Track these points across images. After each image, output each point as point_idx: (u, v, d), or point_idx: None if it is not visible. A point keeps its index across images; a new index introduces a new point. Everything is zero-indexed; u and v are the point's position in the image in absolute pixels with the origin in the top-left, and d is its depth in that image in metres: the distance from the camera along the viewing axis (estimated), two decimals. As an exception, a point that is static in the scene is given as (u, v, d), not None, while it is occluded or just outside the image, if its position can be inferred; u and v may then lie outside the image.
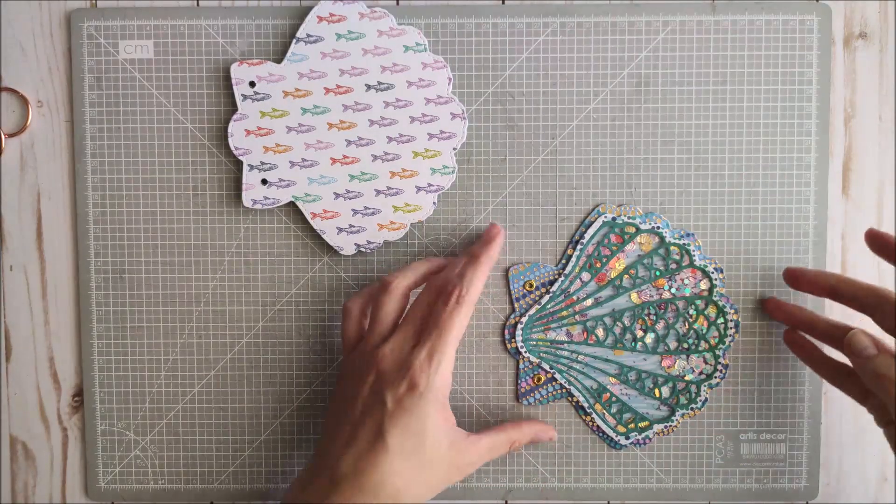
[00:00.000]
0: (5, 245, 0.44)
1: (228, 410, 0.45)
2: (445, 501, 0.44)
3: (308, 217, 0.43)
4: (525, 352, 0.43)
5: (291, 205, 0.43)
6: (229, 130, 0.42)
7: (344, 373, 0.40)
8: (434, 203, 0.43)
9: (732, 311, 0.43)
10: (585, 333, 0.43)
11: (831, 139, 0.44)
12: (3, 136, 0.44)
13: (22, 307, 0.44)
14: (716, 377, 0.43)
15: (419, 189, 0.43)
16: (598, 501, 0.45)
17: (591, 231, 0.43)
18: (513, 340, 0.44)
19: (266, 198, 0.43)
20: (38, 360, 0.45)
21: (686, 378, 0.43)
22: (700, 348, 0.43)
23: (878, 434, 0.39)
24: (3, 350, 0.45)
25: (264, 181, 0.43)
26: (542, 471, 0.44)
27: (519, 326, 0.43)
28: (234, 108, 0.42)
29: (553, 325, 0.44)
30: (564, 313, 0.43)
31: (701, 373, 0.43)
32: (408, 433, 0.36)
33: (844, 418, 0.44)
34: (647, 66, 0.43)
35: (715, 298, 0.43)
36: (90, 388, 0.44)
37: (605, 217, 0.43)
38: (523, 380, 0.44)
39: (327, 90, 0.42)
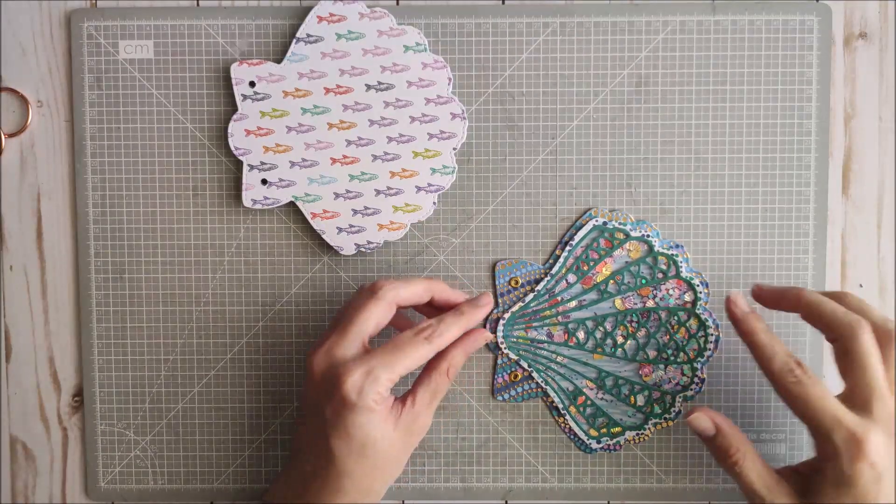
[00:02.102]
0: (5, 245, 0.44)
1: (228, 410, 0.45)
2: (446, 502, 0.44)
3: (308, 217, 0.43)
4: (504, 348, 0.43)
5: (291, 205, 0.43)
6: (229, 130, 0.42)
7: (307, 368, 0.39)
8: (434, 203, 0.43)
9: (714, 325, 0.43)
10: (566, 335, 0.43)
11: (831, 139, 0.44)
12: (3, 136, 0.44)
13: (22, 307, 0.44)
14: (692, 389, 0.43)
15: (419, 189, 0.43)
16: (598, 501, 0.45)
17: (581, 233, 0.43)
18: (493, 335, 0.44)
19: (266, 198, 0.43)
20: (38, 360, 0.45)
21: (662, 388, 0.43)
22: (679, 359, 0.43)
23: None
24: (3, 350, 0.45)
25: (264, 181, 0.43)
26: (542, 471, 0.44)
27: (501, 322, 0.43)
28: (234, 108, 0.42)
29: (535, 324, 0.44)
30: (547, 313, 0.43)
31: (677, 384, 0.43)
32: (352, 441, 0.36)
33: (844, 418, 0.44)
34: (647, 66, 0.43)
35: (698, 311, 0.43)
36: (90, 388, 0.44)
37: (596, 221, 0.43)
38: (500, 375, 0.44)
39: (327, 90, 0.42)
